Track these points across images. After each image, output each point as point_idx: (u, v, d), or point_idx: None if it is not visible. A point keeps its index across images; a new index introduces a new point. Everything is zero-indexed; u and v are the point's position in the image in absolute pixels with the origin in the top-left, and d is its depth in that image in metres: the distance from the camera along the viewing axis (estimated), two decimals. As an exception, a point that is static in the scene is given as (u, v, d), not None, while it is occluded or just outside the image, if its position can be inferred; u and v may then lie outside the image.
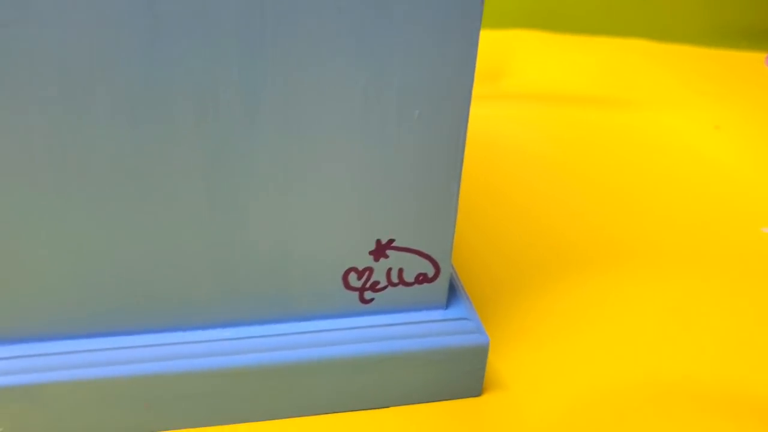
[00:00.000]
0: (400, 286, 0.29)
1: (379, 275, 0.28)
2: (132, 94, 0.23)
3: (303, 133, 0.24)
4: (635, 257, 0.40)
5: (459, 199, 0.27)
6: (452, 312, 0.30)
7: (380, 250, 0.28)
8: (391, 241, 0.27)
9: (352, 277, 0.28)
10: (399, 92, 0.24)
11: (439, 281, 0.29)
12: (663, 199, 0.47)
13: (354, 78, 0.24)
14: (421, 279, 0.29)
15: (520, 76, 0.68)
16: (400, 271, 0.28)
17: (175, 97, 0.23)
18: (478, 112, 0.58)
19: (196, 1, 0.22)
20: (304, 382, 0.28)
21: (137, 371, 0.26)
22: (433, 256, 0.28)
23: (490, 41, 0.73)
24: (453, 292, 0.31)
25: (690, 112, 0.60)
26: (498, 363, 0.32)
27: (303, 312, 0.28)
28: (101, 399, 0.26)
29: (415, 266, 0.28)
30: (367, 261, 0.28)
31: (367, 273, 0.28)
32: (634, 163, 0.52)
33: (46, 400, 0.26)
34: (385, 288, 0.29)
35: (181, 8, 0.22)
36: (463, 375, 0.30)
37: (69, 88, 0.22)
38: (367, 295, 0.29)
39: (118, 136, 0.23)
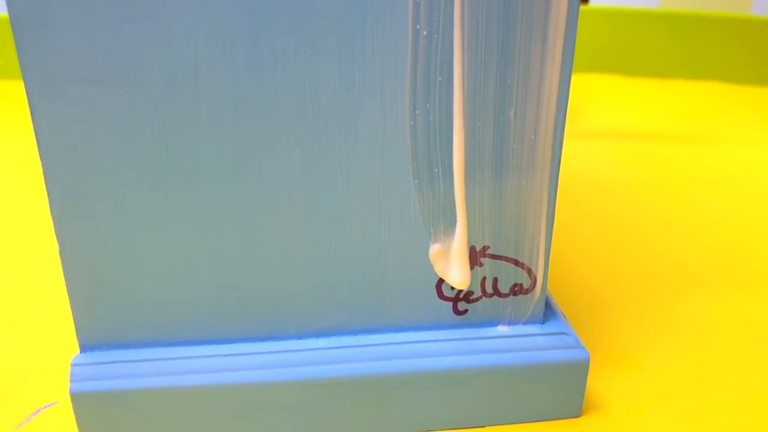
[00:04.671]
0: (495, 297, 0.28)
1: (473, 285, 0.27)
2: (234, 92, 0.23)
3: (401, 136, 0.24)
4: (719, 282, 0.39)
5: (556, 210, 0.27)
6: (549, 327, 0.29)
7: (474, 257, 0.27)
8: (486, 248, 0.27)
9: (446, 287, 0.27)
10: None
11: (535, 293, 0.28)
12: (741, 227, 0.45)
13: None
14: (517, 290, 0.28)
15: (597, 116, 0.67)
16: (495, 280, 0.27)
17: (276, 94, 0.23)
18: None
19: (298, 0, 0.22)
20: (396, 394, 0.27)
21: (229, 380, 0.26)
22: (529, 265, 0.27)
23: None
24: (548, 308, 0.29)
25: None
26: (596, 384, 0.31)
27: (396, 322, 0.28)
28: (194, 407, 0.26)
29: (510, 276, 0.27)
30: (462, 269, 0.27)
31: (461, 282, 0.27)
32: (710, 194, 0.50)
33: (141, 406, 0.26)
34: (479, 299, 0.28)
35: (283, 6, 0.22)
36: (562, 393, 0.28)
37: (174, 85, 0.23)
38: (461, 305, 0.28)
39: (221, 133, 0.24)
